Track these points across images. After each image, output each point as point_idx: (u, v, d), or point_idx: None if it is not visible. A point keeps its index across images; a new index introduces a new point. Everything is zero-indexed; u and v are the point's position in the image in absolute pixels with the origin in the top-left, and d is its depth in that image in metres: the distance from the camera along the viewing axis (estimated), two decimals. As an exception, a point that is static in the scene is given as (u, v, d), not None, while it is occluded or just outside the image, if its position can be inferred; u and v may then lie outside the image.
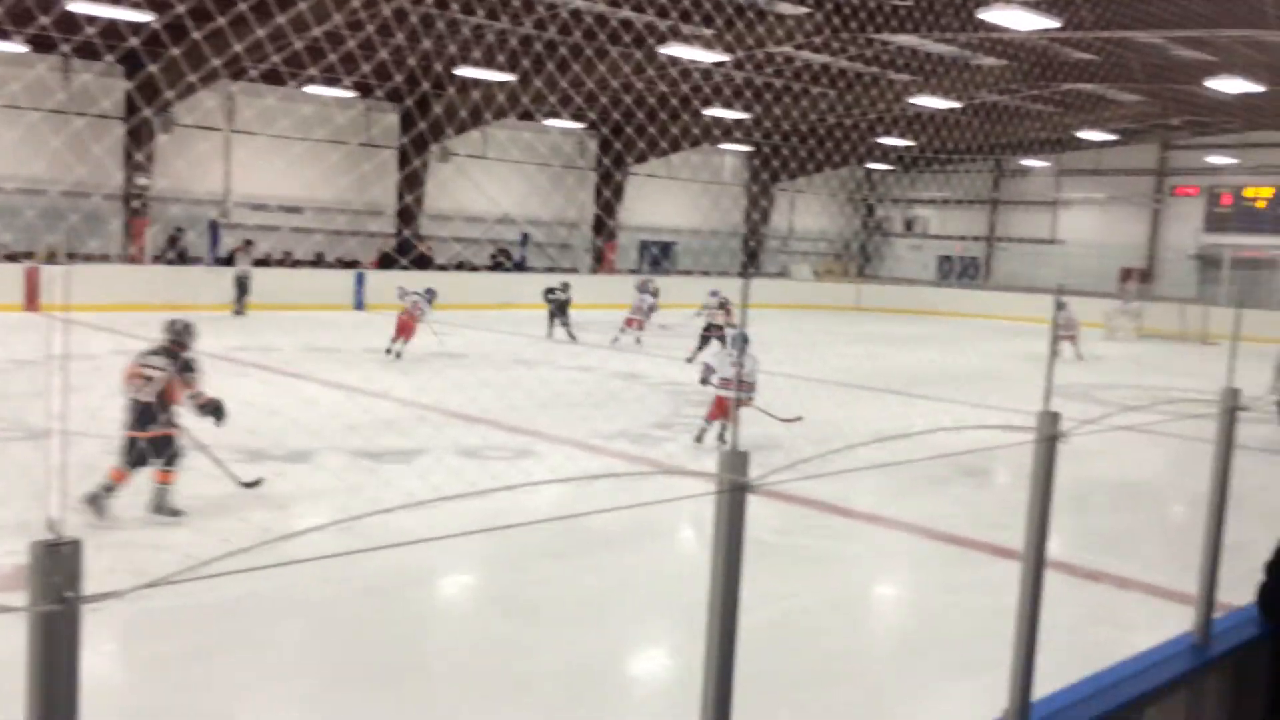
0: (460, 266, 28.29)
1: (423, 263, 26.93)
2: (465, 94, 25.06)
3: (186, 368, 7.25)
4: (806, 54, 22.14)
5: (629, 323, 20.06)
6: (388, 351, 15.88)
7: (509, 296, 25.48)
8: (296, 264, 25.65)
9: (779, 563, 6.82)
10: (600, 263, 32.02)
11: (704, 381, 10.95)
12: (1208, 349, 23.72)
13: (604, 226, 32.23)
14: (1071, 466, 9.78)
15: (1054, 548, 7.95)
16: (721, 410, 10.79)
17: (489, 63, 19.93)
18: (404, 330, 15.96)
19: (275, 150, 24.84)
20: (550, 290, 20.17)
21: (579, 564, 6.65)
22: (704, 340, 17.62)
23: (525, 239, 30.59)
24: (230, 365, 14.10)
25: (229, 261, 22.59)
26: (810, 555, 7.32)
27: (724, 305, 18.16)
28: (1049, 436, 2.40)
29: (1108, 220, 36.05)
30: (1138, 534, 8.24)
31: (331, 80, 22.78)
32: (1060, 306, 21.98)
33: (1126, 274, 33.58)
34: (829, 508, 8.19)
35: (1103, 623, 6.13)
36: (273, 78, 21.30)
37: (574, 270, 31.68)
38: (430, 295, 16.65)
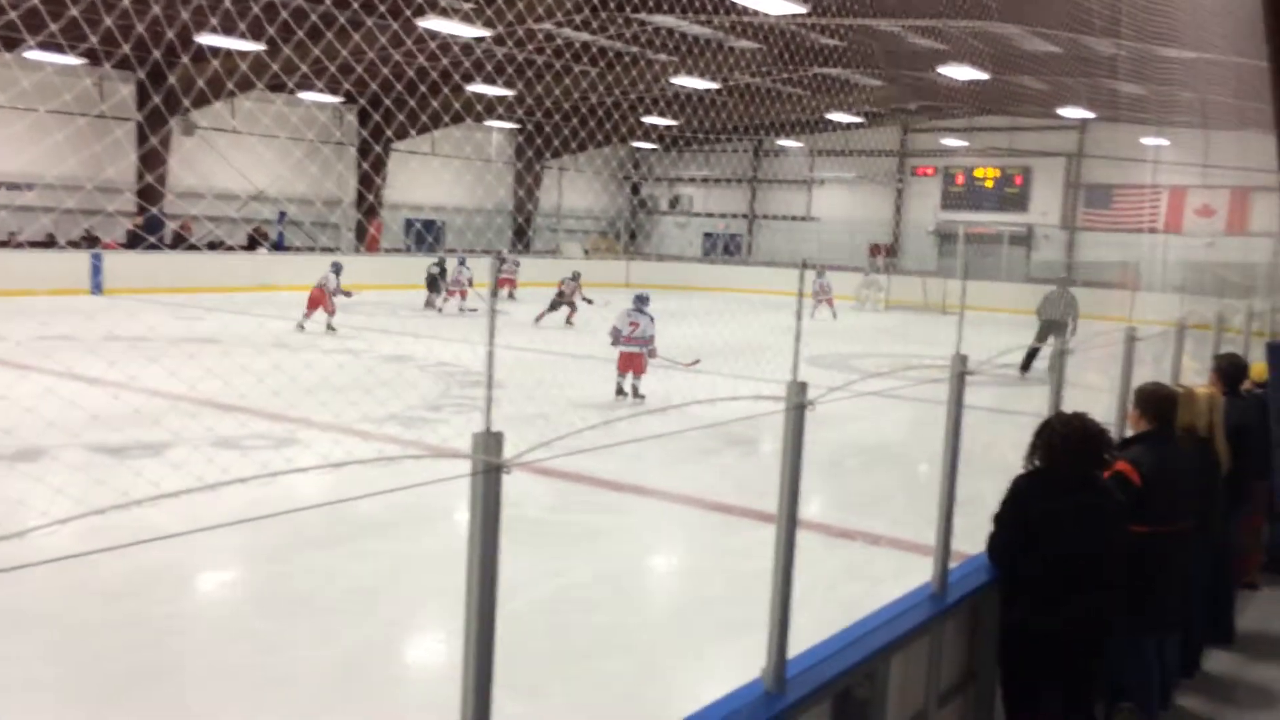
0: (212, 246, 26.69)
1: (178, 241, 25.22)
2: (203, 64, 23.53)
3: None
4: (568, 31, 22.14)
5: (451, 293, 22.15)
6: (300, 328, 17.09)
7: (267, 278, 24.26)
8: (21, 245, 23.41)
9: (551, 539, 6.84)
10: (364, 241, 31.01)
11: (614, 343, 11.89)
12: (946, 317, 25.58)
13: (366, 203, 31.22)
14: (828, 432, 10.27)
15: (812, 509, 8.32)
16: (628, 364, 11.69)
17: (228, 30, 18.74)
18: (314, 305, 17.17)
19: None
20: (430, 266, 22.80)
21: (344, 553, 6.43)
22: (553, 305, 20.44)
23: (283, 216, 29.16)
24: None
25: None
26: (583, 530, 7.39)
27: (576, 277, 21.36)
28: (797, 405, 2.48)
29: (857, 198, 38.19)
30: (886, 493, 8.79)
31: (49, 45, 20.63)
32: (820, 274, 23.40)
33: (875, 249, 35.74)
34: (601, 482, 8.28)
35: (857, 578, 6.50)
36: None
37: (336, 249, 30.51)
38: (336, 269, 17.90)
